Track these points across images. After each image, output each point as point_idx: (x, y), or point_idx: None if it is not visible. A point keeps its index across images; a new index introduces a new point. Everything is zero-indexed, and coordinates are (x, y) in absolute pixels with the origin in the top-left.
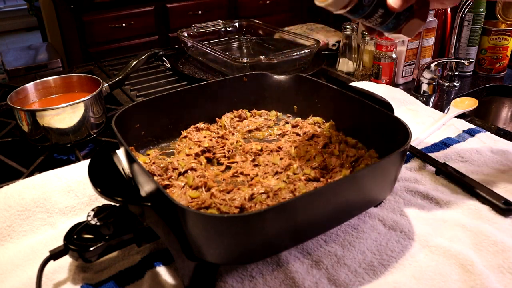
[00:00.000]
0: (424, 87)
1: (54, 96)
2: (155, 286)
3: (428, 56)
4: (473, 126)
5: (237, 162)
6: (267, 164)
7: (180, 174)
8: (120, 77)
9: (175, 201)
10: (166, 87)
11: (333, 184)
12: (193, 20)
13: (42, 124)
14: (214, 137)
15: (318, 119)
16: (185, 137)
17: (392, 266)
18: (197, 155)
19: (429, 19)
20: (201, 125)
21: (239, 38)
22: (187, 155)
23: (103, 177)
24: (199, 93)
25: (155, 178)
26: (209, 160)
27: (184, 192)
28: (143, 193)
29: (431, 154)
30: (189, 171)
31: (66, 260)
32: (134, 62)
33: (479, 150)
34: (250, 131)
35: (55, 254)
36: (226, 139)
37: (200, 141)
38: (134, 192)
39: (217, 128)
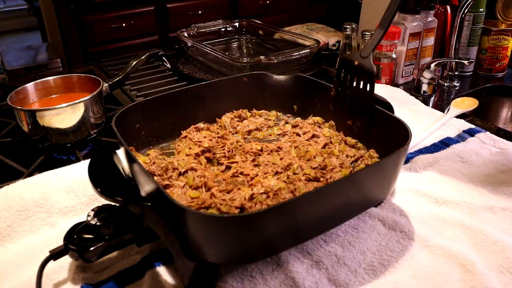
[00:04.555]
0: (424, 87)
1: (54, 96)
2: (155, 286)
3: (428, 56)
4: (473, 126)
5: (237, 162)
6: (267, 164)
7: (180, 174)
8: (120, 77)
9: (175, 201)
10: (166, 87)
11: (333, 184)
12: (193, 20)
13: (42, 124)
14: (214, 137)
15: (318, 119)
16: (185, 137)
17: (392, 266)
18: (197, 155)
19: (429, 19)
20: (201, 125)
21: (239, 38)
22: (187, 155)
23: (103, 177)
24: (199, 93)
25: (155, 178)
26: (209, 160)
27: (184, 192)
28: (143, 193)
29: (431, 154)
30: (189, 171)
31: (66, 260)
32: (134, 62)
33: (479, 150)
34: (250, 131)
35: (55, 254)
36: (226, 139)
37: (200, 141)
38: (134, 192)
39: (217, 128)
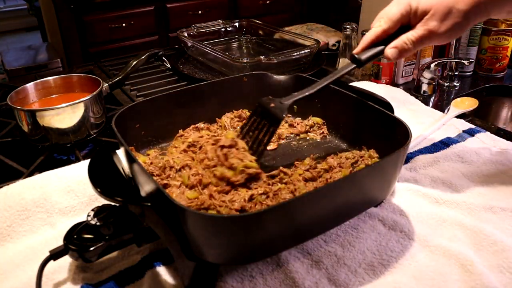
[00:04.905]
0: (424, 87)
1: (54, 96)
2: (155, 286)
3: (428, 56)
4: (473, 126)
5: None
6: None
7: (177, 171)
8: (120, 77)
9: (175, 201)
10: (166, 87)
11: (333, 184)
12: (193, 20)
13: (42, 124)
14: (208, 135)
15: (317, 119)
16: (181, 136)
17: (392, 266)
18: (184, 151)
19: None
20: (201, 125)
21: (239, 38)
22: (180, 152)
23: (103, 177)
24: (199, 93)
25: (154, 178)
26: None
27: (182, 192)
28: (143, 193)
29: (431, 154)
30: (182, 169)
31: (66, 260)
32: (134, 62)
33: (479, 150)
34: None
35: (55, 254)
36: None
37: (187, 138)
38: (134, 192)
39: (217, 128)
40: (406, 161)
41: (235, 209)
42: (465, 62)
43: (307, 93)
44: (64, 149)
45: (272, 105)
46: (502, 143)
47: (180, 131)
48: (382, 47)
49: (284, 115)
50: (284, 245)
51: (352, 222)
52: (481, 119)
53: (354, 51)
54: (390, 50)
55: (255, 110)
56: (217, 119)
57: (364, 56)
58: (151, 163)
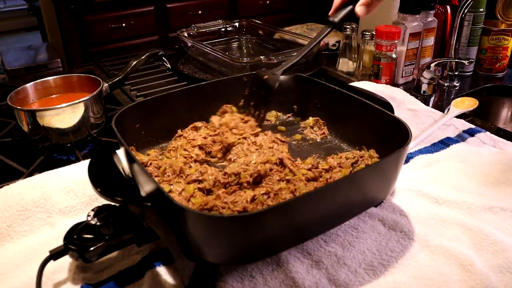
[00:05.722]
0: (424, 87)
1: (54, 96)
2: (155, 286)
3: (428, 56)
4: (473, 126)
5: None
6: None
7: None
8: (120, 77)
9: (175, 201)
10: (166, 87)
11: (333, 184)
12: (193, 20)
13: (42, 124)
14: (210, 135)
15: (317, 119)
16: (180, 136)
17: (392, 266)
18: (195, 161)
19: (429, 19)
20: (199, 124)
21: (239, 38)
22: (184, 157)
23: (103, 177)
24: (199, 93)
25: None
26: (208, 162)
27: (186, 198)
28: (143, 193)
29: (431, 154)
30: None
31: (66, 260)
32: (134, 62)
33: (479, 150)
34: None
35: (55, 254)
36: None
37: (194, 139)
38: (134, 192)
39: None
40: (406, 161)
41: (238, 211)
42: (465, 62)
43: (294, 61)
44: (64, 149)
45: (266, 77)
46: (502, 143)
47: (179, 131)
48: (351, 6)
49: (275, 85)
50: (284, 245)
51: (352, 222)
52: (481, 119)
53: (329, 13)
54: (359, 8)
55: (252, 81)
56: None
57: (337, 18)
58: (151, 164)
